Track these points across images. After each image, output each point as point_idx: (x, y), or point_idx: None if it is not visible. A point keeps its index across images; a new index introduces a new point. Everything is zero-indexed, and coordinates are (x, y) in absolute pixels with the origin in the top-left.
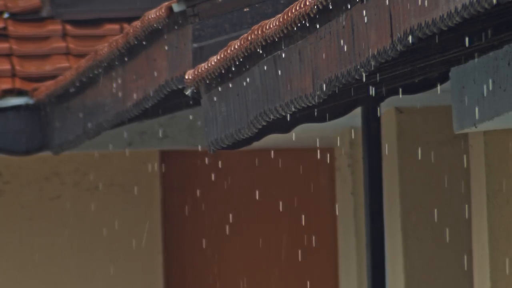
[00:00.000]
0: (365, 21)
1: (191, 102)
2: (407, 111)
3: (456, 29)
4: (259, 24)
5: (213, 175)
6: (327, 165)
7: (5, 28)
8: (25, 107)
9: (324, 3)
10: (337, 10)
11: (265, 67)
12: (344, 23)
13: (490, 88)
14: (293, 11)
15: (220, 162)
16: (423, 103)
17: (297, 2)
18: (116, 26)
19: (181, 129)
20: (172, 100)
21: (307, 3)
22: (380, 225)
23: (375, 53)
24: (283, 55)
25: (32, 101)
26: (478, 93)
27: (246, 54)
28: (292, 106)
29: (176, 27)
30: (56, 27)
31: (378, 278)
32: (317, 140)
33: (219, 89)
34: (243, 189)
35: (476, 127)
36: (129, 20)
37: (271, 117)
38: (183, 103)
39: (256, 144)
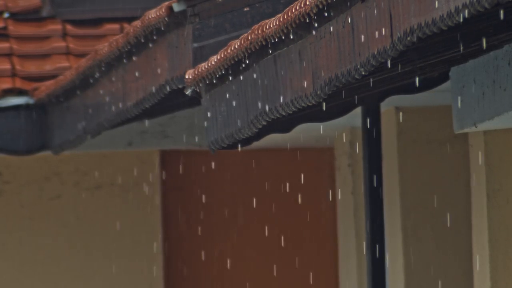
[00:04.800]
0: (365, 21)
1: (191, 102)
2: (407, 111)
3: (456, 29)
4: (259, 24)
5: (213, 175)
6: (327, 165)
7: (5, 28)
8: (25, 107)
9: (324, 2)
10: (337, 10)
11: (265, 67)
12: (344, 23)
13: (490, 88)
14: (293, 10)
15: (220, 162)
16: (423, 103)
17: (297, 2)
18: (116, 26)
19: (181, 129)
20: (172, 100)
21: (307, 3)
22: (380, 225)
23: (375, 53)
24: (283, 54)
25: (32, 101)
26: (478, 93)
27: (246, 53)
28: (292, 106)
29: (176, 27)
30: (56, 27)
31: (378, 278)
32: (317, 140)
33: (219, 88)
34: (243, 189)
35: (476, 127)
36: (129, 20)
37: (271, 116)
38: (183, 103)
39: (256, 144)
